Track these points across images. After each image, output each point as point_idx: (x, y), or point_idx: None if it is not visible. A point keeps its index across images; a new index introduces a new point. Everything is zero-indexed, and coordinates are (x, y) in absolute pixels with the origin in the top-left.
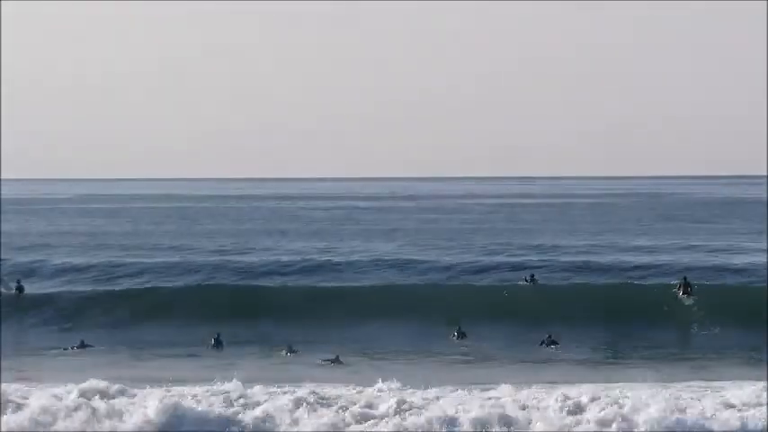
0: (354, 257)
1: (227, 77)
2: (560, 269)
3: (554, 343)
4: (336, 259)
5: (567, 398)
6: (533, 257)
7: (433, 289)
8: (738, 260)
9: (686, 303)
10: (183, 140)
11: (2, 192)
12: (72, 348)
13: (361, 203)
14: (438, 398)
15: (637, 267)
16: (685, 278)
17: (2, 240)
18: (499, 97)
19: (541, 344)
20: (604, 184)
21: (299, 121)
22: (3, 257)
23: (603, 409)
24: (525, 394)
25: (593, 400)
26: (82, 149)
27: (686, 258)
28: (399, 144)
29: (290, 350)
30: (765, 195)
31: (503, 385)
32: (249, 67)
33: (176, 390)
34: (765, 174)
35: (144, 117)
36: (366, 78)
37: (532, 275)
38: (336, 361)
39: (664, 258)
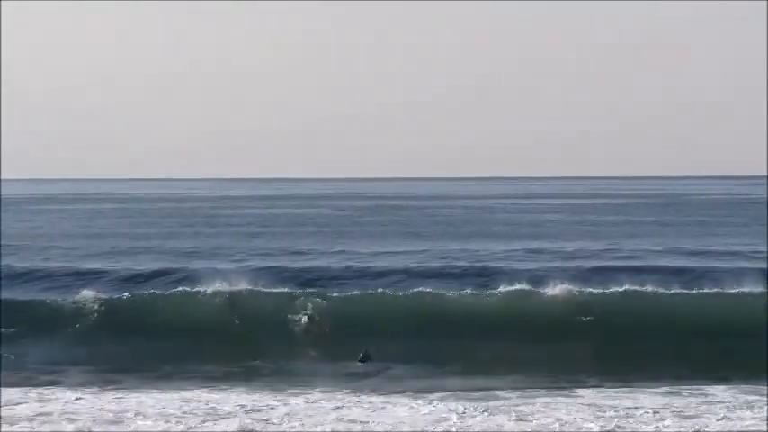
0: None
1: (227, 78)
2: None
3: None
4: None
5: None
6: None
7: None
8: None
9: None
10: (182, 140)
11: (13, 191)
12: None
13: (418, 202)
14: None
15: None
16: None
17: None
18: (497, 97)
19: None
20: (608, 184)
21: (299, 121)
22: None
23: None
24: None
25: None
26: (82, 149)
27: None
28: (393, 144)
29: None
30: None
31: None
32: (251, 67)
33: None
34: (765, 174)
35: (144, 117)
36: (366, 79)
37: None
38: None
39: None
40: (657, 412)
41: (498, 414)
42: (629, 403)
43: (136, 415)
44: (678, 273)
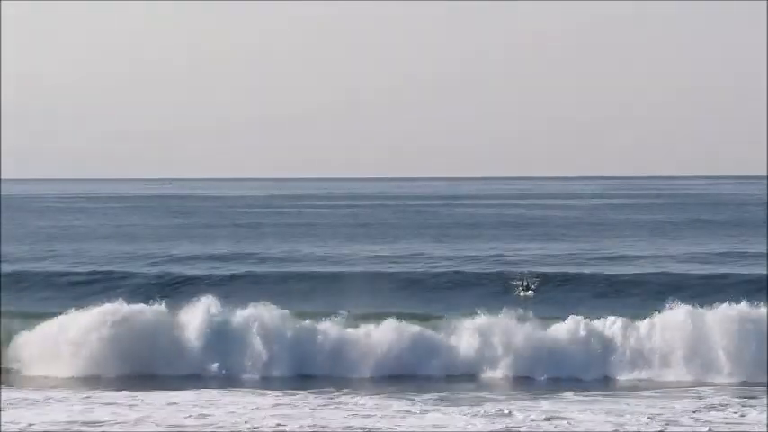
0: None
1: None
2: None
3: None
4: None
5: None
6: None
7: None
8: None
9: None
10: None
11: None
12: None
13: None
14: None
15: None
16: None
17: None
18: (489, 96)
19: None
20: (609, 184)
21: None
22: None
23: None
24: None
25: None
26: (85, 149)
27: None
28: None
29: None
30: None
31: None
32: (259, 65)
33: None
34: (765, 174)
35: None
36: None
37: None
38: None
39: None
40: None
41: None
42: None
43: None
44: None
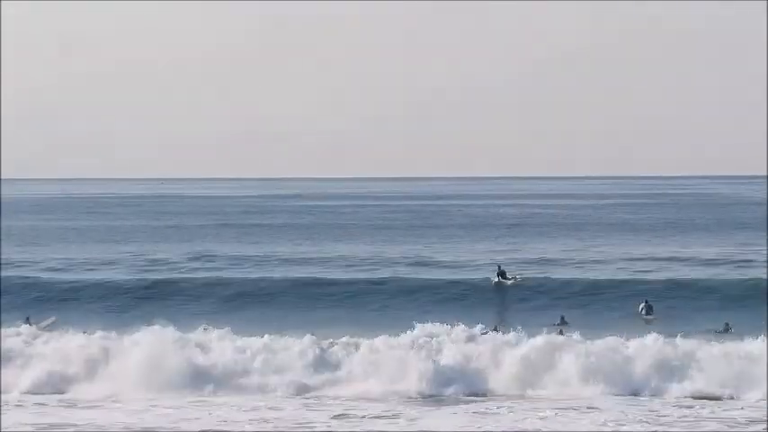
0: None
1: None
2: None
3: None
4: None
5: None
6: None
7: None
8: None
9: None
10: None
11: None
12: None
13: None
14: None
15: None
16: (646, 300)
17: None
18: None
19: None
20: (612, 183)
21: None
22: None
23: None
24: None
25: None
26: (89, 150)
27: None
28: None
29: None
30: None
31: None
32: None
33: None
34: (765, 174)
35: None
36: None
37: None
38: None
39: None
40: None
41: None
42: None
43: None
44: None
